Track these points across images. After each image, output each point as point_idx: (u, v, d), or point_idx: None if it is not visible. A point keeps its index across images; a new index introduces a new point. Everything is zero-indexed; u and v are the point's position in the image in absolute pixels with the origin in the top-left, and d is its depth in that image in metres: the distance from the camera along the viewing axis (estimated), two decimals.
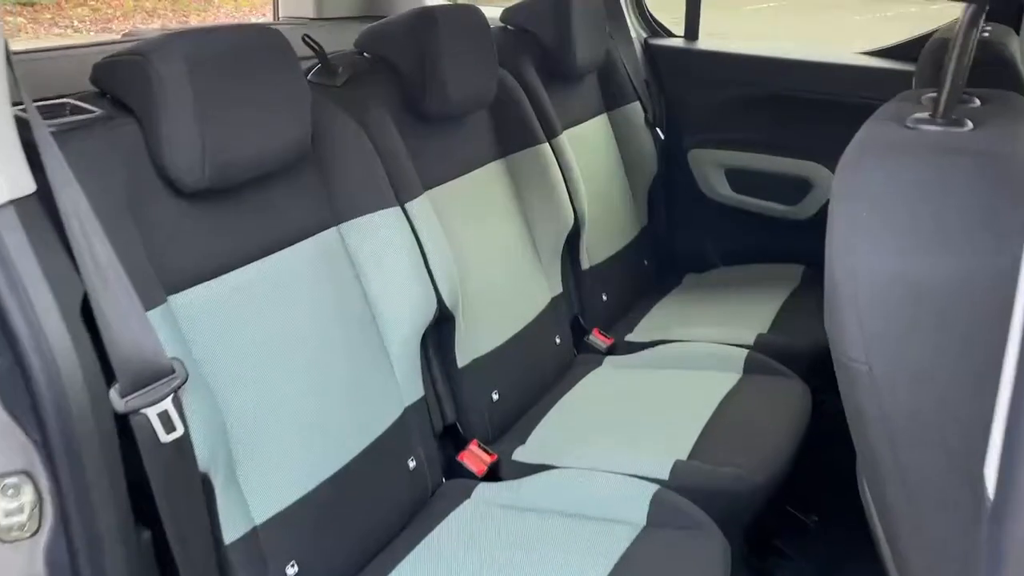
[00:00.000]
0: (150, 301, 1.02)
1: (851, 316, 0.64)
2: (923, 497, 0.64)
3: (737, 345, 1.84)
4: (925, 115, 0.81)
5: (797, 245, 2.32)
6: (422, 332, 1.45)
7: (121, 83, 1.13)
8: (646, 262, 2.36)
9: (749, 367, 1.75)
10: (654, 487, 1.33)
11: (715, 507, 1.33)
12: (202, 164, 1.10)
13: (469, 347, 1.60)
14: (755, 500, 1.40)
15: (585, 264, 2.04)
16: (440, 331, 1.54)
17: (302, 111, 1.25)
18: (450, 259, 1.52)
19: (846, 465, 1.09)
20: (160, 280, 1.07)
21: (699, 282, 2.33)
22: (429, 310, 1.45)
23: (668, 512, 1.29)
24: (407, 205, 1.46)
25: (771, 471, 1.42)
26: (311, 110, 1.27)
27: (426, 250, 1.47)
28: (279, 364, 1.21)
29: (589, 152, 2.14)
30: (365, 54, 1.64)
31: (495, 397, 1.65)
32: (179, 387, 0.99)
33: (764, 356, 1.77)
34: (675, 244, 2.46)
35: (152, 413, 0.97)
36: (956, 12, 1.07)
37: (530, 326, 1.78)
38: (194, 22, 9.74)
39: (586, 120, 2.19)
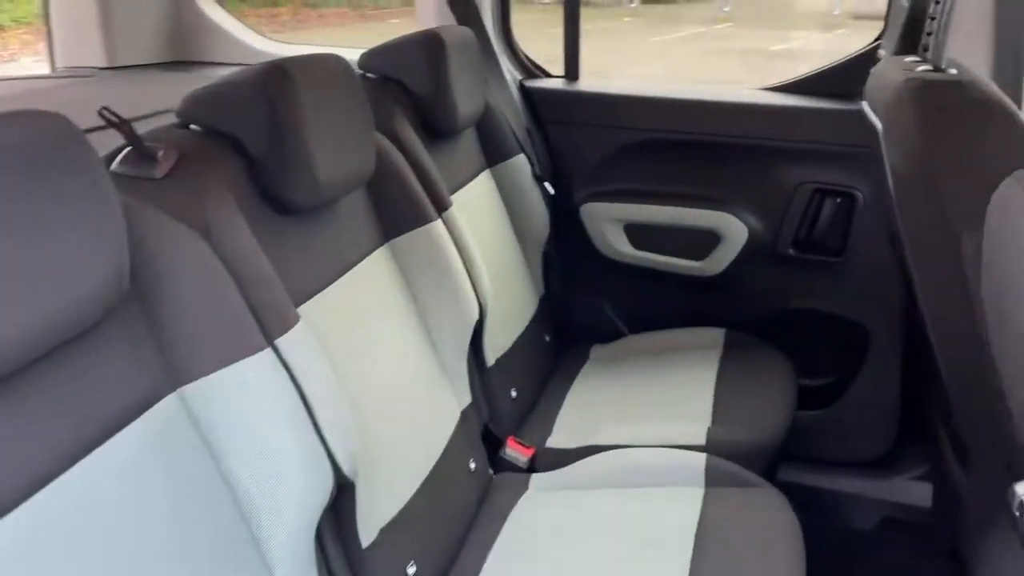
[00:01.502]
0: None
1: None
2: None
3: (686, 447, 1.54)
4: None
5: (710, 305, 2.07)
6: (317, 519, 1.03)
7: None
8: (547, 338, 2.03)
9: (712, 478, 1.45)
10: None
11: None
12: None
13: (372, 518, 1.19)
14: None
15: (490, 360, 1.67)
16: (336, 506, 1.11)
17: (111, 232, 0.81)
18: (344, 405, 1.10)
19: None
20: None
21: (609, 356, 2.02)
22: (326, 488, 1.03)
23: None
24: (279, 343, 1.03)
25: None
26: (124, 223, 0.84)
27: (311, 403, 1.04)
28: None
29: (477, 220, 1.78)
30: (192, 126, 1.20)
31: (411, 571, 1.25)
32: None
33: (725, 461, 1.47)
34: (575, 313, 2.15)
35: None
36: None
37: (441, 461, 1.39)
38: None
39: (469, 182, 1.83)
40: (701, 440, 1.56)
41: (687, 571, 1.23)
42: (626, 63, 10.60)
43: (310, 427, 1.02)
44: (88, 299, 0.79)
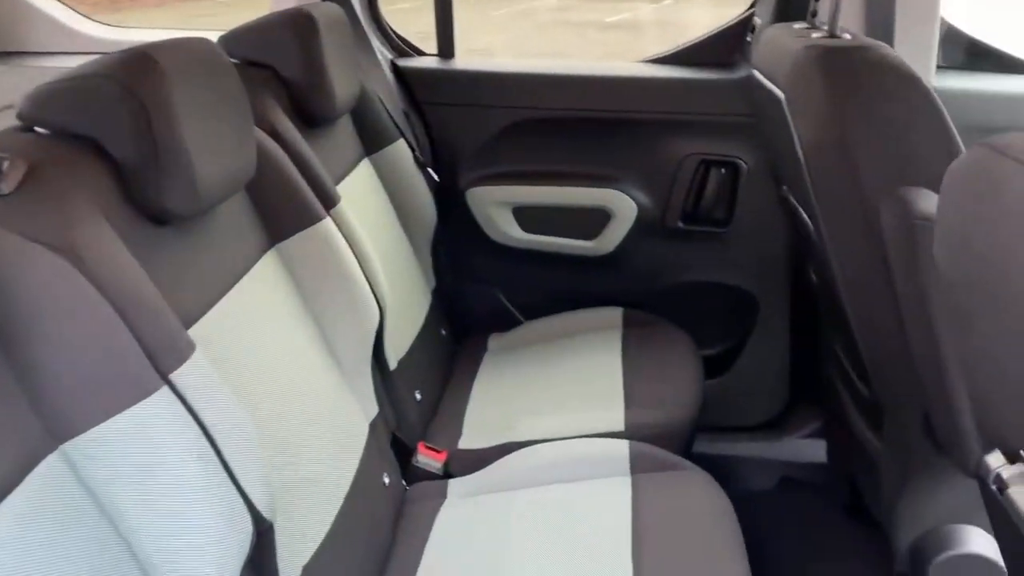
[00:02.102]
0: None
1: None
2: None
3: (605, 435, 1.50)
4: None
5: (604, 284, 2.05)
6: (240, 566, 0.90)
7: None
8: (443, 331, 1.94)
9: (637, 465, 1.41)
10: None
11: None
12: None
13: (293, 558, 1.06)
14: None
15: (392, 363, 1.56)
16: (253, 553, 0.98)
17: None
18: (253, 439, 0.96)
19: None
20: None
21: (508, 344, 1.95)
22: (245, 535, 0.90)
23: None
24: (174, 377, 0.88)
25: None
26: None
27: (218, 441, 0.90)
28: None
29: (361, 213, 1.65)
30: (38, 129, 1.01)
31: None
32: None
33: (647, 446, 1.44)
34: (469, 304, 2.06)
35: None
36: None
37: (356, 481, 1.28)
38: None
39: (349, 173, 1.70)
40: (620, 426, 1.52)
41: (630, 565, 1.19)
42: (470, 36, 10.56)
43: (220, 469, 0.89)
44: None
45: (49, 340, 0.78)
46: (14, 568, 0.70)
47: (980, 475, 0.77)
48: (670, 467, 1.40)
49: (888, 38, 1.64)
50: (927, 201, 1.07)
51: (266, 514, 0.94)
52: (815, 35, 1.34)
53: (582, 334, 1.90)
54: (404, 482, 1.49)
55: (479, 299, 2.08)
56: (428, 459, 1.53)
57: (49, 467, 0.76)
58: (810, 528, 1.92)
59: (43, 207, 0.88)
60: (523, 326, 2.01)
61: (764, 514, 2.03)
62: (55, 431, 0.78)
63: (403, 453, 1.53)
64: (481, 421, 1.66)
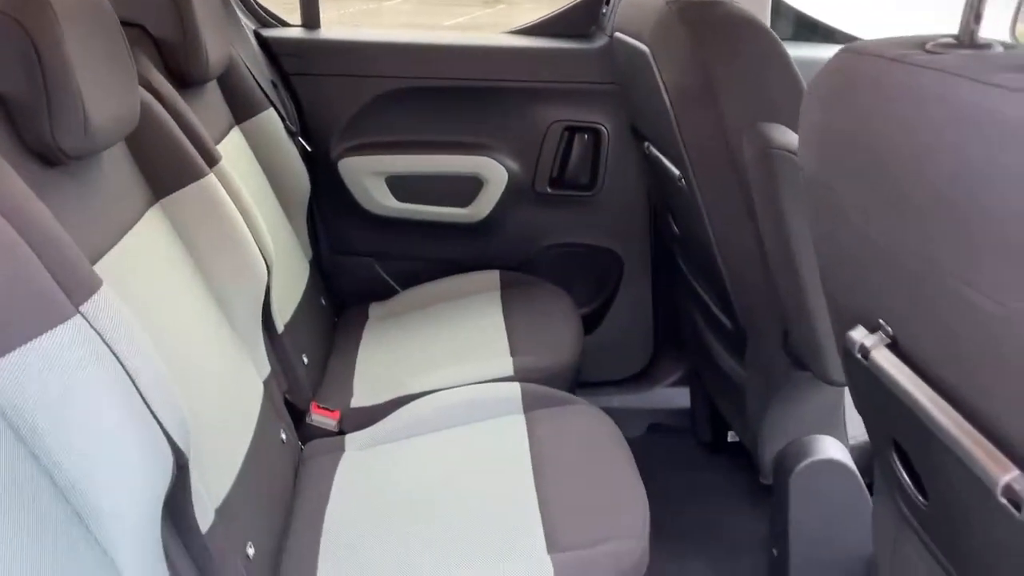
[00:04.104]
0: None
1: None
2: None
3: (495, 380, 1.56)
4: (949, 40, 0.67)
5: (479, 249, 2.11)
6: (162, 505, 0.89)
7: None
8: (323, 301, 1.93)
9: (529, 403, 1.48)
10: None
11: None
12: None
13: (208, 497, 1.05)
14: (645, 562, 1.15)
15: (280, 325, 1.55)
16: (172, 489, 0.97)
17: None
18: (165, 376, 0.95)
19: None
20: None
21: (389, 312, 1.98)
22: (166, 466, 0.89)
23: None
24: (84, 309, 0.86)
25: (645, 531, 1.18)
26: None
27: (133, 374, 0.89)
28: None
29: (241, 183, 1.63)
30: None
31: (251, 553, 1.13)
32: None
33: (537, 386, 1.52)
34: (347, 274, 2.07)
35: None
36: None
37: (257, 435, 1.27)
38: None
39: (222, 139, 1.67)
40: (509, 371, 1.59)
41: (534, 493, 1.25)
42: None
43: (137, 399, 0.88)
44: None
45: None
46: None
47: (846, 348, 0.89)
48: (560, 403, 1.48)
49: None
50: (781, 134, 1.21)
51: (183, 447, 0.94)
52: None
53: (463, 297, 1.95)
54: (299, 442, 1.49)
55: (356, 270, 2.09)
56: (322, 417, 1.54)
57: None
58: (679, 466, 2.07)
59: None
60: (403, 293, 2.04)
61: (638, 457, 2.17)
62: None
63: (296, 415, 1.52)
64: (371, 380, 1.68)
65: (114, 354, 0.86)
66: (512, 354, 1.66)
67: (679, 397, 2.20)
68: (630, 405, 2.21)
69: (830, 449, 1.48)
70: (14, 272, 0.79)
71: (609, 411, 2.19)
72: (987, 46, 0.70)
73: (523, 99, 2.02)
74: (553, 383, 1.55)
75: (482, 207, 2.07)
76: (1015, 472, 0.64)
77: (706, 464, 2.06)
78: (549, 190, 2.08)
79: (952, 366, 0.71)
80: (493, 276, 2.01)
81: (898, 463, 0.95)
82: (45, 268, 0.82)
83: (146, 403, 0.88)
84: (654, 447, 2.17)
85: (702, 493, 1.95)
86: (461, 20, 12.90)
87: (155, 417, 0.89)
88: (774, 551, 1.59)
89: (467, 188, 2.06)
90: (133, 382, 0.87)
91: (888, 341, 0.83)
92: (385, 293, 2.06)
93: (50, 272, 0.82)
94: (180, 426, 0.93)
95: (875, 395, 0.90)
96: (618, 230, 2.12)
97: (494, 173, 2.04)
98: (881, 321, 0.84)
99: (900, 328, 0.80)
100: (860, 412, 0.99)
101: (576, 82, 2.01)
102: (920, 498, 0.91)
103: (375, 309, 2.00)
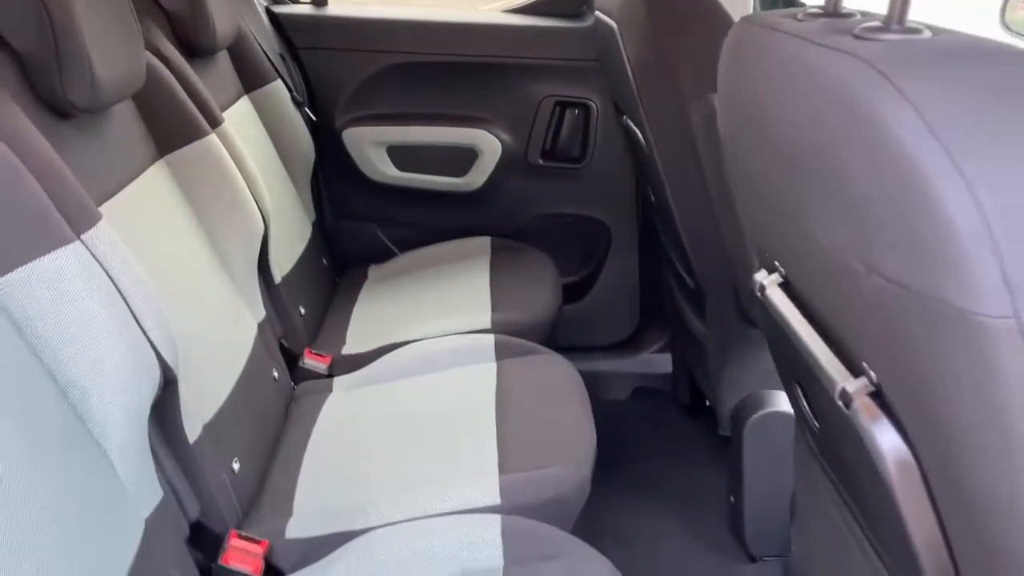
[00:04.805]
0: None
1: (981, 260, 0.51)
2: None
3: (473, 332, 1.68)
4: (876, 24, 0.71)
5: (473, 217, 2.23)
6: (148, 409, 1.03)
7: None
8: (324, 261, 2.07)
9: (501, 352, 1.60)
10: (496, 518, 1.12)
11: (556, 516, 1.18)
12: None
13: (196, 413, 1.20)
14: (584, 496, 1.27)
15: (277, 277, 1.70)
16: (157, 402, 1.11)
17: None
18: (156, 300, 1.10)
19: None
20: None
21: (386, 273, 2.11)
22: (152, 376, 1.03)
23: (524, 542, 1.10)
24: (85, 238, 1.00)
25: (589, 461, 1.30)
26: None
27: (127, 296, 1.03)
28: None
29: (243, 145, 1.77)
30: None
31: (236, 467, 1.27)
32: None
33: (510, 337, 1.64)
34: (348, 238, 2.21)
35: None
36: None
37: (247, 367, 1.41)
38: None
39: (230, 106, 1.81)
40: (487, 324, 1.72)
41: (494, 427, 1.38)
42: None
43: (129, 317, 1.01)
44: None
45: None
46: None
47: (751, 290, 1.00)
48: (529, 352, 1.60)
49: None
50: None
51: (172, 365, 1.07)
52: None
53: (455, 261, 2.08)
54: (292, 382, 1.63)
55: (357, 234, 2.23)
56: (314, 361, 1.68)
57: None
58: (660, 426, 2.18)
59: None
60: (400, 256, 2.18)
61: (620, 418, 2.28)
62: None
63: (290, 359, 1.66)
64: (363, 331, 1.81)
65: (109, 277, 1.00)
66: (492, 310, 1.78)
67: (662, 363, 2.31)
68: (616, 369, 2.32)
69: (781, 402, 1.58)
70: (20, 199, 0.93)
71: (596, 375, 2.32)
72: (849, 15, 0.80)
73: (517, 75, 2.13)
74: (527, 337, 1.67)
75: (477, 177, 2.19)
76: (851, 380, 0.75)
77: (684, 424, 2.17)
78: (541, 162, 2.19)
79: (821, 303, 0.82)
80: (485, 242, 2.13)
81: (801, 396, 1.06)
82: (49, 198, 0.96)
83: (137, 321, 1.02)
84: (638, 409, 2.29)
85: (679, 450, 2.06)
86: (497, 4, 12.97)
87: (144, 334, 1.03)
88: (731, 498, 1.71)
89: (463, 159, 2.18)
90: (126, 302, 1.01)
91: (781, 280, 0.94)
92: (384, 256, 2.20)
93: (54, 202, 0.97)
94: (168, 344, 1.07)
95: (773, 330, 1.00)
96: (606, 202, 2.22)
97: (489, 145, 2.16)
98: (776, 263, 0.95)
99: (790, 270, 0.91)
100: (772, 353, 1.10)
101: (567, 59, 2.12)
102: (816, 424, 1.02)
103: (373, 271, 2.13)
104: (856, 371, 0.76)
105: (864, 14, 0.80)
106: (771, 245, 0.95)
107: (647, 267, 2.27)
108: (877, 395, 0.73)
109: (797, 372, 1.01)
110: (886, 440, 0.72)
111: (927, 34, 0.67)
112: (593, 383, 2.29)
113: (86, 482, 0.92)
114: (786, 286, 0.93)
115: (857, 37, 0.68)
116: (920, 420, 0.69)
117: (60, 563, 0.83)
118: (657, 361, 2.32)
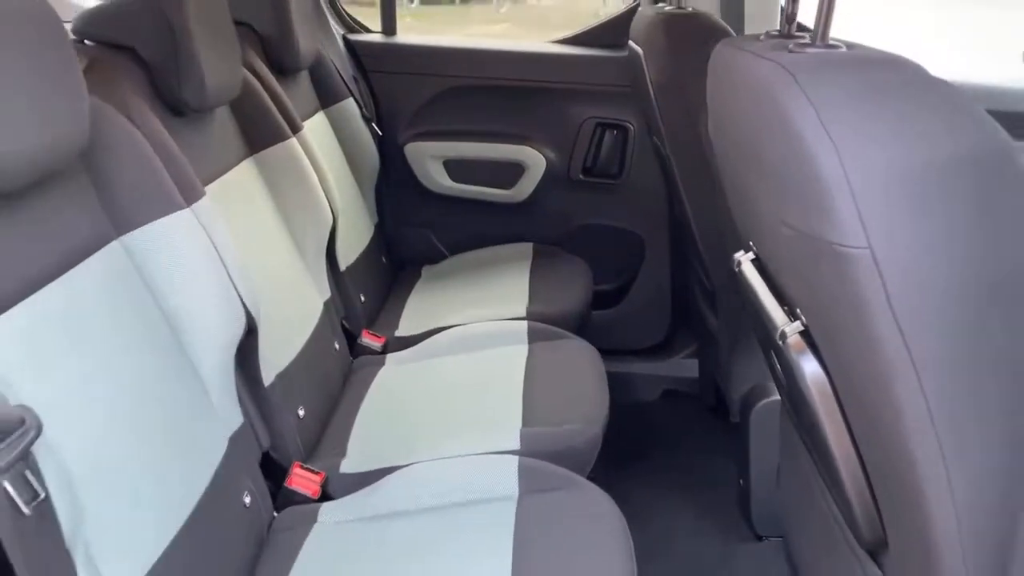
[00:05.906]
0: None
1: (842, 201, 0.71)
2: (949, 391, 0.72)
3: (509, 319, 1.90)
4: (804, 40, 0.90)
5: (519, 225, 2.46)
6: (235, 349, 1.27)
7: None
8: (384, 259, 2.32)
9: (533, 337, 1.82)
10: (515, 458, 1.33)
11: (568, 463, 1.37)
12: None
13: (271, 363, 1.44)
14: (596, 449, 1.46)
15: (342, 265, 1.95)
16: (241, 347, 1.35)
17: (79, 98, 1.02)
18: (244, 265, 1.35)
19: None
20: None
21: (439, 272, 2.35)
22: (239, 322, 1.27)
23: (538, 477, 1.30)
24: (193, 208, 1.26)
25: (600, 420, 1.50)
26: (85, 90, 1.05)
27: (223, 257, 1.28)
28: (101, 409, 0.98)
29: (318, 150, 2.04)
30: (86, 42, 1.38)
31: (301, 414, 1.51)
32: (33, 441, 0.76)
33: (543, 325, 1.85)
34: (406, 240, 2.46)
35: (6, 480, 0.73)
36: None
37: (314, 335, 1.65)
38: None
39: (309, 118, 2.08)
40: (522, 313, 1.93)
41: (521, 392, 1.59)
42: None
43: (225, 275, 1.26)
44: (68, 146, 1.00)
45: (116, 166, 1.15)
46: (92, 311, 1.04)
47: (731, 268, 1.19)
48: (557, 337, 1.81)
49: (739, 12, 2.10)
50: None
51: (254, 315, 1.32)
52: (667, 8, 1.79)
53: (500, 263, 2.30)
54: (351, 357, 1.87)
55: (414, 238, 2.48)
56: (370, 341, 1.92)
57: (112, 249, 1.13)
58: (687, 425, 2.35)
59: (107, 89, 1.25)
60: (451, 259, 2.42)
61: (650, 418, 2.46)
62: (115, 226, 1.14)
63: (350, 338, 1.90)
64: (414, 318, 2.05)
65: (211, 239, 1.26)
66: (528, 303, 2.00)
67: (691, 367, 2.48)
68: (648, 372, 2.50)
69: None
70: (149, 172, 1.19)
71: (628, 377, 2.51)
72: (799, 36, 1.00)
73: (561, 98, 2.37)
74: (558, 326, 1.88)
75: (523, 189, 2.42)
76: (789, 324, 0.94)
77: (707, 423, 2.34)
78: (581, 177, 2.41)
79: (774, 267, 1.01)
80: (527, 247, 2.36)
81: (776, 362, 1.24)
82: (168, 174, 1.22)
83: (229, 276, 1.27)
84: (665, 409, 2.47)
85: (700, 446, 2.23)
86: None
87: (234, 286, 1.28)
88: (740, 481, 1.87)
89: (511, 172, 2.42)
90: (222, 261, 1.26)
91: (753, 257, 1.13)
92: (437, 258, 2.44)
93: (171, 177, 1.22)
94: (252, 298, 1.32)
95: (750, 305, 1.20)
96: (641, 215, 2.43)
97: (535, 161, 2.40)
98: (751, 243, 1.14)
99: (758, 246, 1.11)
100: (754, 329, 1.29)
101: (606, 85, 2.34)
102: (785, 381, 1.20)
103: (427, 270, 2.37)
104: (794, 317, 0.95)
105: (808, 33, 1.00)
106: (745, 228, 1.15)
107: (678, 277, 2.46)
108: (806, 334, 0.92)
109: (770, 341, 1.20)
110: (808, 369, 0.91)
111: (843, 48, 0.87)
112: (625, 384, 2.50)
113: (187, 399, 1.16)
114: (757, 262, 1.13)
115: (790, 51, 0.88)
116: (832, 350, 0.87)
117: (168, 461, 1.07)
118: (686, 366, 2.49)
